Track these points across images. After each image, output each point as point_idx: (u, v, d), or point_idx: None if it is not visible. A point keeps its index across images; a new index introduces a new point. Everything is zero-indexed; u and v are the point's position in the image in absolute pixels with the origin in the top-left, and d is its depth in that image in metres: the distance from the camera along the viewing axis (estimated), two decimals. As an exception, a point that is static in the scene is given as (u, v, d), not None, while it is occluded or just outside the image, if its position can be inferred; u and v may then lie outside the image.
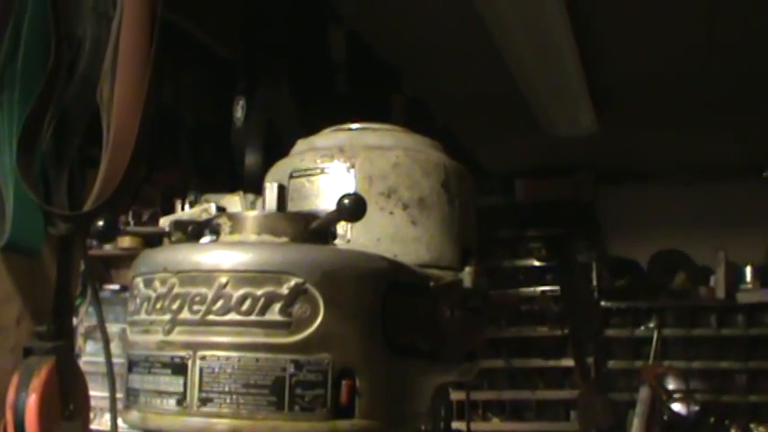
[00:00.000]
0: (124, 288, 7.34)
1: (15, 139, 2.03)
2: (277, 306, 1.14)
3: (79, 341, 5.88)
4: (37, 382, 2.13)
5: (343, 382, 1.15)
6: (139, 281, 1.25)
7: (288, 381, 1.12)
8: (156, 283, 1.21)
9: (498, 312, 6.94)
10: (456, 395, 6.16)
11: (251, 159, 3.06)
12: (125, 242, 7.09)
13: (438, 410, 1.54)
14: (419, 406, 1.37)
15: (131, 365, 1.25)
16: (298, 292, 1.14)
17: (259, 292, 1.14)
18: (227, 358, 1.13)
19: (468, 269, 1.54)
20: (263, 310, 1.13)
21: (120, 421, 2.48)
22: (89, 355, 5.97)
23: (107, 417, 7.00)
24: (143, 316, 1.23)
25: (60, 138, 2.14)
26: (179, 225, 1.31)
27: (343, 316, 1.16)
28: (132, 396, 1.24)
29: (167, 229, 1.32)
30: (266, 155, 2.89)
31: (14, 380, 2.16)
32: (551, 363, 7.16)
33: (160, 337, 1.18)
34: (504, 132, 5.85)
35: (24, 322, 2.27)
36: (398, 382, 1.26)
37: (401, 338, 1.26)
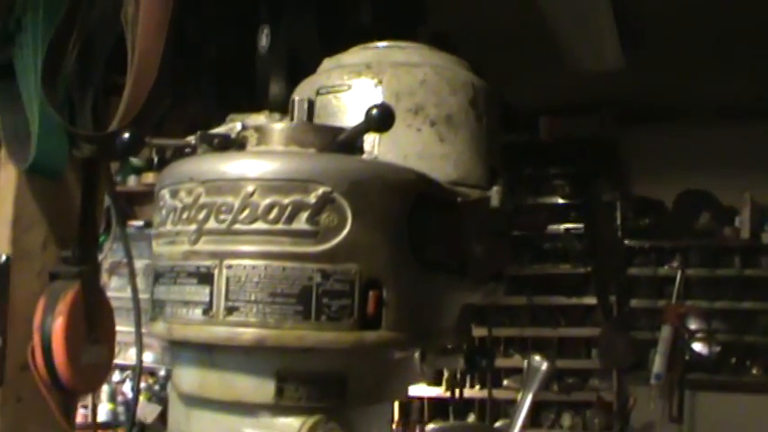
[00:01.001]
0: (148, 224, 7.38)
1: (40, 60, 2.01)
2: (304, 215, 1.12)
3: (104, 277, 5.92)
4: (63, 306, 2.14)
5: (370, 293, 1.15)
6: (165, 192, 1.24)
7: (315, 290, 1.12)
8: (182, 194, 1.20)
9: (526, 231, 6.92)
10: (478, 332, 6.17)
11: (275, 88, 3.04)
12: (148, 178, 7.11)
13: (465, 331, 1.53)
14: (445, 323, 1.37)
15: (157, 277, 1.24)
16: (325, 201, 1.13)
17: (286, 201, 1.13)
18: (254, 267, 1.12)
19: (495, 188, 1.52)
20: (290, 219, 1.12)
21: (144, 356, 2.51)
22: (114, 291, 6.01)
23: (131, 351, 7.05)
24: (169, 227, 1.22)
25: (85, 61, 2.12)
26: (205, 138, 1.29)
27: (371, 226, 1.15)
28: (158, 307, 1.24)
29: (194, 142, 1.30)
30: (290, 84, 2.87)
31: (41, 303, 2.17)
32: (574, 300, 7.16)
33: (186, 247, 1.18)
34: (529, 69, 5.78)
35: (50, 247, 2.28)
36: (425, 296, 1.25)
37: (428, 252, 1.25)
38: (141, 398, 7.09)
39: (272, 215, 1.13)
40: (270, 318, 1.11)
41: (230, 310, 1.13)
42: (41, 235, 2.26)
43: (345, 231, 1.13)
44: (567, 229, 7.21)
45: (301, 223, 1.12)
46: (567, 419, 7.00)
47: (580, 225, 7.11)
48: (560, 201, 7.21)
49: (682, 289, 6.91)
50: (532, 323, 7.13)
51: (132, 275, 2.38)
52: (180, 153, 1.35)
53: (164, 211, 1.24)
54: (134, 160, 7.23)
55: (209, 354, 1.18)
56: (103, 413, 6.88)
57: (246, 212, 1.13)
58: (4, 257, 2.16)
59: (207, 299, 1.14)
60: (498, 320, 6.93)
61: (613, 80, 5.99)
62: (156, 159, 7.24)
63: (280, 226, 1.12)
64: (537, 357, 1.39)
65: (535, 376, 1.39)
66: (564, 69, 5.61)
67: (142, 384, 7.34)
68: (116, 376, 7.70)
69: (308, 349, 1.13)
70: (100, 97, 2.18)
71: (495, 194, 1.52)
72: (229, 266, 1.13)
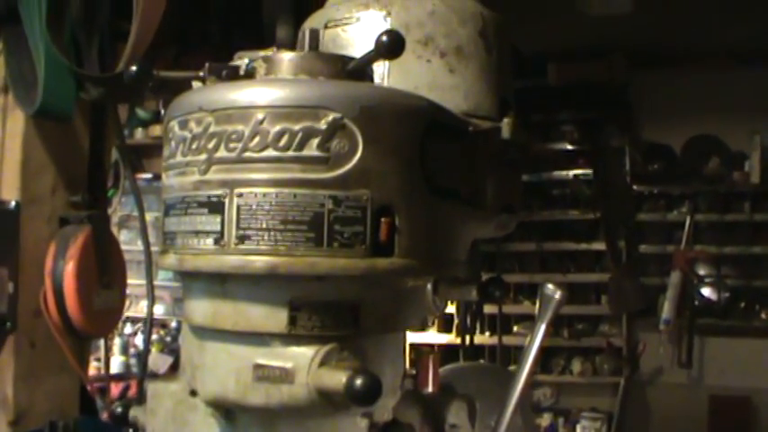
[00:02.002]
0: (157, 177, 7.38)
1: (45, 4, 2.00)
2: (315, 141, 1.11)
3: (113, 230, 5.93)
4: (74, 250, 2.15)
5: (382, 220, 1.14)
6: (174, 123, 1.23)
7: (326, 217, 1.11)
8: (192, 124, 1.19)
9: (537, 166, 6.89)
10: (487, 276, 6.18)
11: (282, 31, 3.01)
12: (156, 130, 7.10)
13: (476, 264, 1.52)
14: (457, 253, 1.36)
15: (167, 209, 1.24)
16: (336, 127, 1.12)
17: (296, 128, 1.11)
18: (265, 195, 1.11)
19: (506, 120, 1.51)
20: (301, 146, 1.11)
21: (155, 308, 2.52)
22: (124, 245, 6.02)
23: (142, 304, 7.11)
24: (179, 158, 1.21)
25: (90, 3, 2.11)
26: (213, 69, 1.28)
27: (382, 152, 1.14)
28: (169, 239, 1.23)
29: (202, 74, 1.29)
30: (297, 27, 2.85)
31: (51, 248, 2.18)
32: (583, 246, 7.15)
33: (196, 177, 1.17)
34: (537, 13, 5.73)
35: (59, 192, 2.28)
36: (437, 224, 1.24)
37: (440, 181, 1.24)
38: (153, 349, 7.14)
39: (283, 142, 1.12)
40: (281, 245, 1.11)
41: (242, 239, 1.12)
42: (50, 180, 2.26)
43: (356, 157, 1.12)
44: (576, 175, 7.18)
45: (312, 150, 1.11)
46: (576, 365, 7.03)
47: (589, 171, 7.09)
48: (569, 146, 7.18)
49: (691, 234, 6.89)
50: (542, 269, 7.13)
51: (143, 226, 2.38)
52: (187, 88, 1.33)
53: (173, 143, 1.23)
54: (141, 112, 7.22)
55: (221, 284, 1.18)
56: (116, 365, 6.93)
57: (257, 140, 1.12)
58: (13, 203, 2.16)
59: (218, 228, 1.14)
60: (507, 266, 6.93)
61: (622, 24, 5.94)
62: (162, 111, 7.22)
63: (290, 153, 1.12)
64: (550, 286, 1.38)
65: (549, 305, 1.38)
66: (572, 13, 5.56)
67: (154, 336, 7.38)
68: (128, 329, 7.75)
69: (320, 277, 1.12)
70: (106, 42, 2.17)
71: (506, 126, 1.51)
72: (240, 195, 1.13)
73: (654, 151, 7.23)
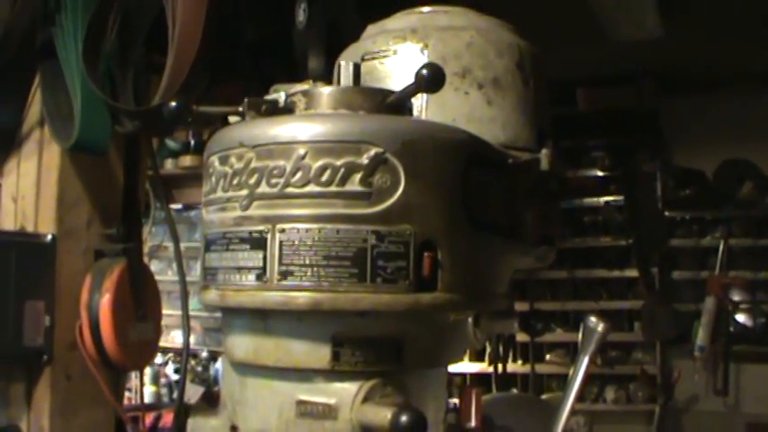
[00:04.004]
0: (187, 207, 7.41)
1: (80, 39, 2.02)
2: (357, 176, 1.11)
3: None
4: (109, 283, 2.16)
5: (425, 255, 1.13)
6: (215, 159, 1.23)
7: (370, 252, 1.10)
8: (233, 159, 1.19)
9: (575, 195, 6.85)
10: (520, 306, 6.15)
11: (314, 63, 3.02)
12: (186, 161, 7.12)
13: (510, 293, 1.51)
14: (498, 286, 1.35)
15: (208, 245, 1.23)
16: (378, 162, 1.11)
17: (338, 163, 1.11)
18: (308, 230, 1.11)
19: (544, 151, 1.51)
20: (343, 181, 1.11)
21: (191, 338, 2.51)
22: (155, 275, 6.03)
23: (173, 333, 7.09)
24: (219, 194, 1.21)
25: (124, 39, 2.12)
26: (253, 104, 1.28)
27: (424, 186, 1.13)
28: (210, 275, 1.23)
29: (241, 109, 1.29)
30: (329, 58, 2.86)
31: (87, 281, 2.19)
32: (615, 273, 7.09)
33: (238, 212, 1.17)
34: (567, 39, 5.72)
35: (94, 225, 2.29)
36: (479, 258, 1.23)
37: (481, 214, 1.23)
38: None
39: (325, 177, 1.11)
40: (325, 281, 1.10)
41: (284, 275, 1.11)
42: (86, 213, 2.27)
43: (399, 192, 1.12)
44: (607, 202, 7.14)
45: (354, 185, 1.11)
46: (610, 393, 6.96)
47: (620, 197, 7.04)
48: (600, 173, 7.15)
49: (725, 260, 6.83)
50: (574, 297, 7.09)
51: (178, 256, 2.38)
52: (224, 124, 1.33)
53: (213, 179, 1.23)
54: (171, 143, 7.25)
55: (264, 320, 1.17)
56: (147, 395, 6.93)
57: (299, 175, 1.12)
58: (49, 236, 2.17)
59: (260, 264, 1.13)
60: (540, 294, 6.89)
61: (652, 49, 5.91)
62: (192, 142, 7.27)
63: (333, 188, 1.11)
64: (593, 318, 1.36)
65: (591, 338, 1.37)
66: (602, 39, 5.54)
67: (185, 366, 7.38)
68: (158, 359, 7.76)
69: (363, 312, 1.11)
70: (140, 76, 2.18)
71: (544, 157, 1.50)
72: (282, 230, 1.12)
73: (686, 176, 7.17)
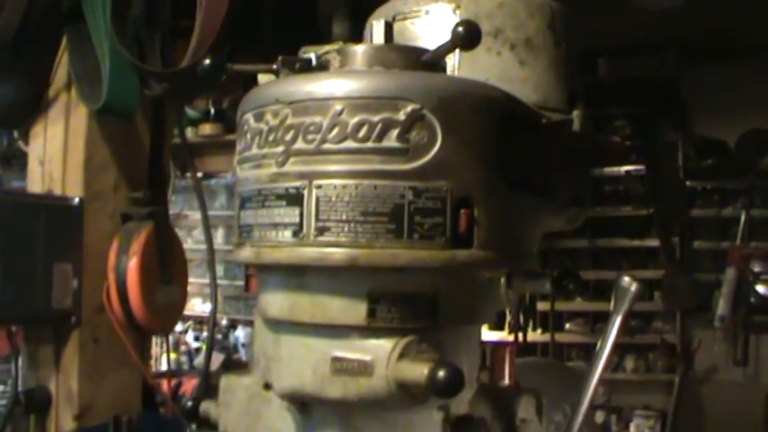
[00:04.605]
0: (206, 176, 7.42)
1: (109, 2, 2.01)
2: (394, 132, 1.11)
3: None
4: (137, 246, 2.17)
5: (462, 211, 1.13)
6: (249, 116, 1.23)
7: (407, 208, 1.10)
8: (268, 116, 1.18)
9: (606, 159, 6.80)
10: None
11: (338, 28, 3.01)
12: (206, 129, 7.12)
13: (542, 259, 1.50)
14: (530, 245, 1.35)
15: (243, 202, 1.23)
16: (415, 118, 1.11)
17: (375, 119, 1.11)
18: (344, 186, 1.11)
19: (576, 112, 1.50)
20: (380, 137, 1.11)
21: (205, 307, 2.51)
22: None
23: (193, 301, 7.10)
24: (254, 151, 1.21)
25: (152, 2, 2.12)
26: (286, 62, 1.27)
27: (461, 143, 1.13)
28: (245, 232, 1.23)
29: (275, 67, 1.29)
30: (354, 24, 2.85)
31: (114, 244, 2.20)
32: (636, 243, 7.07)
33: (273, 169, 1.17)
34: (587, 8, 5.68)
35: (121, 189, 2.30)
36: (513, 216, 1.23)
37: (516, 172, 1.22)
38: (203, 346, 7.19)
39: (362, 133, 1.11)
40: (362, 237, 1.10)
41: (321, 231, 1.11)
42: (113, 177, 2.28)
43: (436, 148, 1.11)
44: (628, 171, 7.10)
45: (391, 141, 1.11)
46: (630, 362, 6.95)
47: (641, 166, 7.00)
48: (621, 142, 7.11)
49: (746, 230, 6.79)
50: (594, 266, 7.07)
51: (206, 221, 2.39)
52: (236, 105, 1.33)
53: (248, 135, 1.23)
54: (190, 112, 7.25)
55: (300, 276, 1.17)
56: (166, 362, 6.97)
57: (335, 131, 1.12)
58: (77, 200, 2.18)
59: (297, 220, 1.13)
60: (559, 263, 6.87)
61: (674, 18, 5.86)
62: (212, 111, 7.26)
63: (369, 144, 1.11)
64: (626, 278, 1.36)
65: (624, 297, 1.36)
66: (624, 8, 5.50)
67: (204, 333, 7.44)
68: (178, 326, 7.81)
69: (400, 268, 1.11)
70: (166, 40, 2.18)
71: (576, 118, 1.50)
72: (319, 186, 1.12)
73: (707, 146, 7.12)
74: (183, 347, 7.48)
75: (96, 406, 2.19)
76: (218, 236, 7.46)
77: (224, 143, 7.04)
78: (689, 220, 7.03)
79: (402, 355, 1.12)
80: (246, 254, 1.21)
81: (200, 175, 7.34)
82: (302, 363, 1.19)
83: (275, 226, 1.16)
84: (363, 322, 1.14)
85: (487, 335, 6.68)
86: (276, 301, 1.22)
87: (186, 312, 7.34)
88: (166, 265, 2.25)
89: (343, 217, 1.10)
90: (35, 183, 2.29)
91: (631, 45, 6.87)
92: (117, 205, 2.27)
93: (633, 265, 7.07)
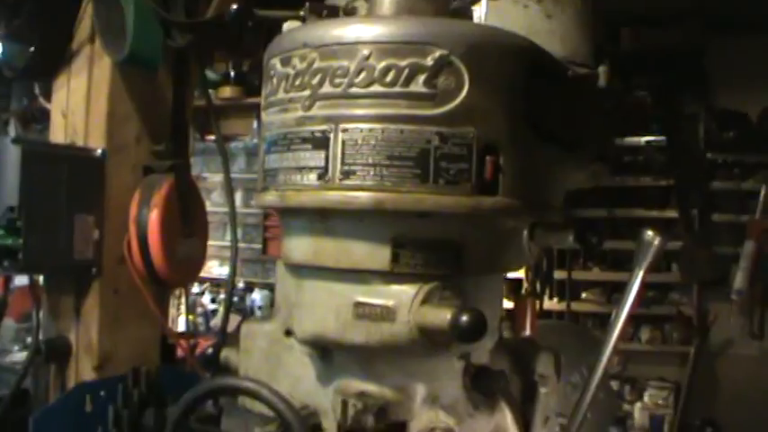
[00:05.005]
0: (226, 138, 7.42)
1: (132, -51, 2.01)
2: (421, 77, 1.10)
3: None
4: (158, 198, 2.16)
5: (488, 158, 1.13)
6: (276, 61, 1.23)
7: (432, 153, 1.10)
8: (295, 60, 1.18)
9: (631, 117, 6.75)
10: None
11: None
12: (226, 92, 7.12)
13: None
14: (554, 197, 1.34)
15: (268, 147, 1.24)
16: (443, 64, 1.11)
17: (403, 64, 1.11)
18: (371, 130, 1.11)
19: (601, 68, 1.49)
20: (407, 82, 1.11)
21: (222, 269, 2.52)
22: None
23: (209, 264, 7.11)
24: (280, 95, 1.21)
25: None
26: (314, 8, 1.27)
27: (488, 90, 1.13)
28: (269, 176, 1.23)
29: (302, 13, 1.28)
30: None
31: (136, 196, 2.19)
32: (654, 213, 7.04)
33: (300, 113, 1.17)
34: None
35: (143, 141, 2.29)
36: (539, 166, 1.23)
37: (542, 122, 1.22)
38: (220, 308, 7.22)
39: (389, 78, 1.11)
40: (387, 181, 1.10)
41: (346, 174, 1.12)
42: (135, 129, 2.28)
43: (463, 94, 1.11)
44: (649, 142, 7.06)
45: (419, 86, 1.10)
46: (645, 333, 6.94)
47: (662, 137, 6.96)
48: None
49: (766, 204, 6.75)
50: (612, 236, 7.04)
51: (228, 182, 2.38)
52: (256, 68, 1.32)
53: (274, 80, 1.23)
54: (210, 74, 7.24)
55: (324, 220, 1.17)
56: (183, 324, 7.00)
57: (362, 76, 1.12)
58: (99, 151, 2.18)
59: (322, 163, 1.13)
60: (578, 232, 6.84)
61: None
62: (232, 73, 7.26)
63: (397, 89, 1.11)
64: (649, 232, 1.35)
65: (647, 252, 1.36)
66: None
67: (220, 295, 7.47)
68: (195, 288, 7.85)
69: (425, 213, 1.11)
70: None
71: (602, 74, 1.49)
72: (345, 130, 1.12)
73: (729, 118, 7.07)
74: (199, 309, 7.51)
75: (116, 357, 2.20)
76: (237, 198, 7.48)
77: (243, 106, 7.04)
78: (709, 193, 7.00)
79: (425, 301, 1.13)
80: (271, 198, 1.22)
81: (219, 137, 7.35)
82: (325, 308, 1.20)
83: (300, 170, 1.16)
84: (387, 267, 1.14)
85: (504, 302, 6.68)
86: (300, 246, 1.22)
87: (203, 275, 7.38)
88: (187, 219, 2.25)
89: (369, 161, 1.10)
90: (58, 135, 2.28)
91: (655, 15, 6.82)
92: (139, 158, 2.27)
93: (651, 235, 7.03)
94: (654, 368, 7.05)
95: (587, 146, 1.43)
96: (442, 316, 1.08)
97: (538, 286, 6.43)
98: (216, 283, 7.61)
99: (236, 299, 7.46)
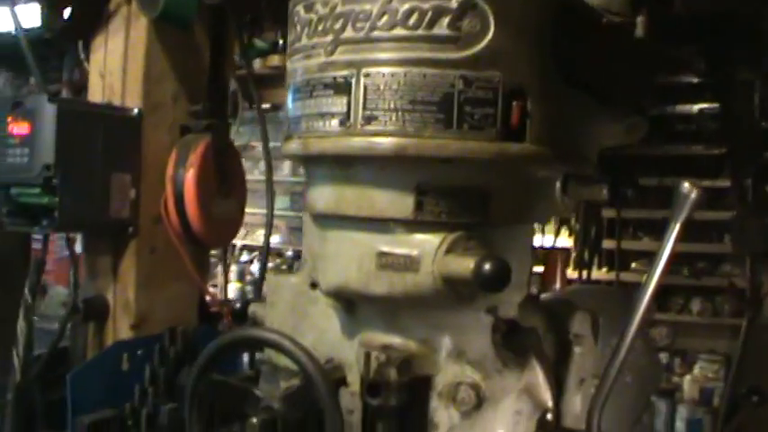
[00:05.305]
0: (274, 107, 7.41)
1: None
2: (445, 20, 1.07)
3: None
4: (194, 158, 2.15)
5: (514, 103, 1.09)
6: (300, 7, 1.20)
7: (456, 97, 1.07)
8: (318, 6, 1.15)
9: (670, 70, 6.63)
10: (607, 212, 6.04)
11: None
12: (274, 60, 7.09)
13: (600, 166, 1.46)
14: (587, 150, 1.31)
15: (292, 95, 1.21)
16: (467, 6, 1.07)
17: (426, 6, 1.07)
18: (393, 74, 1.08)
19: (640, 18, 1.44)
20: (431, 25, 1.07)
21: (272, 238, 2.51)
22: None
23: (259, 233, 7.14)
24: (303, 41, 1.18)
25: None
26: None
27: (514, 32, 1.09)
28: (293, 124, 1.20)
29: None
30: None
31: (173, 156, 2.19)
32: (706, 183, 6.93)
33: (322, 59, 1.14)
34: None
35: (181, 101, 2.28)
36: (569, 114, 1.19)
37: (572, 70, 1.18)
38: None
39: (412, 21, 1.08)
40: (409, 126, 1.07)
41: (368, 120, 1.09)
42: (172, 88, 2.26)
43: (488, 37, 1.08)
44: (702, 110, 6.94)
45: (442, 28, 1.07)
46: (696, 304, 6.84)
47: (715, 105, 6.84)
48: (695, 79, 6.93)
49: (822, 173, 6.62)
50: (662, 205, 6.93)
51: (267, 150, 2.36)
52: None
53: (298, 27, 1.20)
54: (258, 43, 7.22)
55: (346, 168, 1.15)
56: (232, 291, 7.05)
57: (385, 19, 1.08)
58: (136, 110, 2.17)
59: (344, 109, 1.11)
60: (627, 202, 6.75)
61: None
62: (280, 42, 7.23)
63: (420, 32, 1.07)
64: (686, 184, 1.31)
65: (684, 204, 1.32)
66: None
67: (270, 264, 7.50)
68: (244, 256, 7.89)
69: (448, 159, 1.08)
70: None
71: (640, 24, 1.44)
72: (367, 75, 1.09)
73: (785, 86, 6.94)
74: (248, 278, 7.55)
75: (153, 316, 2.20)
76: (285, 167, 7.49)
77: (292, 74, 7.02)
78: (763, 162, 6.87)
79: (449, 250, 1.10)
80: (293, 146, 1.19)
81: (267, 106, 7.34)
82: (348, 258, 1.17)
83: (322, 116, 1.13)
84: (410, 215, 1.11)
85: (551, 271, 6.62)
86: (323, 195, 1.20)
87: (253, 243, 7.40)
88: (224, 179, 2.24)
89: (391, 105, 1.07)
90: (95, 96, 2.28)
91: (710, -22, 6.69)
92: (176, 117, 2.26)
93: (703, 205, 6.93)
94: (705, 341, 6.95)
95: (622, 98, 1.39)
96: (465, 264, 1.05)
97: (586, 255, 6.36)
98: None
99: (284, 267, 7.49)
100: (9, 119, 2.01)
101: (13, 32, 2.08)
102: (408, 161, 1.09)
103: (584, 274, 6.01)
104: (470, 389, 1.18)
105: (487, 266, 1.01)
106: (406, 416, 1.17)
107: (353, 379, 1.23)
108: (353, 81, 1.10)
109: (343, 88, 1.10)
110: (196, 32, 2.28)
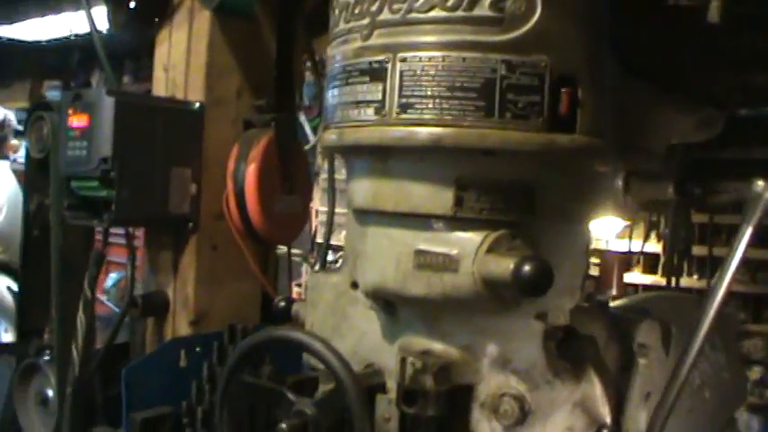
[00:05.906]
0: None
1: None
2: (487, 0, 0.98)
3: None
4: (256, 153, 2.11)
5: (563, 90, 1.00)
6: (339, -8, 1.13)
7: (499, 83, 0.98)
8: (356, -14, 1.08)
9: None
10: (697, 218, 5.86)
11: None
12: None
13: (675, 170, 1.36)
14: (650, 143, 1.21)
15: (329, 81, 1.14)
16: (511, -16, 0.99)
17: (467, -15, 0.99)
18: (430, 59, 1.00)
19: (714, 2, 1.33)
20: (472, 5, 0.99)
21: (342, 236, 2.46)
22: (324, 171, 6.08)
23: (344, 233, 7.20)
24: (341, 26, 1.11)
25: None
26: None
27: (564, 13, 1.00)
28: (329, 113, 1.14)
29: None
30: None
31: (234, 150, 2.15)
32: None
33: (358, 43, 1.07)
34: None
35: (245, 95, 2.24)
36: (628, 104, 1.10)
37: (633, 55, 1.09)
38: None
39: (452, 1, 0.99)
40: (447, 114, 0.99)
41: (404, 108, 1.01)
42: (236, 82, 2.22)
43: (535, 18, 0.99)
44: (799, 111, 6.71)
45: (484, 9, 0.99)
46: (793, 314, 6.63)
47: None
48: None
49: None
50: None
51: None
52: None
53: (336, 11, 1.13)
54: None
55: (383, 160, 1.07)
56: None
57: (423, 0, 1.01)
58: (197, 104, 2.13)
59: (379, 97, 1.03)
60: (721, 207, 6.53)
61: None
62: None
63: (459, 13, 0.99)
64: (759, 182, 1.20)
65: (756, 204, 1.21)
66: None
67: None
68: (330, 256, 7.86)
69: (490, 150, 1.00)
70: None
71: (713, 8, 1.33)
72: (404, 59, 1.01)
73: None
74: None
75: (212, 313, 2.16)
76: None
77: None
78: None
79: (491, 250, 1.01)
80: (329, 136, 1.12)
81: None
82: (385, 257, 1.10)
83: (357, 104, 1.06)
84: (450, 212, 1.03)
85: (639, 278, 6.42)
86: (361, 189, 1.13)
87: (338, 243, 7.42)
88: (287, 174, 2.19)
89: (428, 92, 1.00)
90: (159, 90, 2.25)
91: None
92: (239, 111, 2.21)
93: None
94: (803, 354, 6.71)
95: (691, 87, 1.28)
96: (504, 265, 0.96)
97: (675, 261, 6.17)
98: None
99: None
100: (69, 111, 1.99)
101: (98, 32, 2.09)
102: (447, 153, 1.01)
103: (674, 281, 5.84)
104: (513, 401, 1.09)
105: (527, 268, 0.93)
106: (446, 426, 1.09)
107: (393, 385, 1.15)
108: (389, 66, 1.02)
109: (378, 74, 1.03)
110: (261, 24, 2.23)
